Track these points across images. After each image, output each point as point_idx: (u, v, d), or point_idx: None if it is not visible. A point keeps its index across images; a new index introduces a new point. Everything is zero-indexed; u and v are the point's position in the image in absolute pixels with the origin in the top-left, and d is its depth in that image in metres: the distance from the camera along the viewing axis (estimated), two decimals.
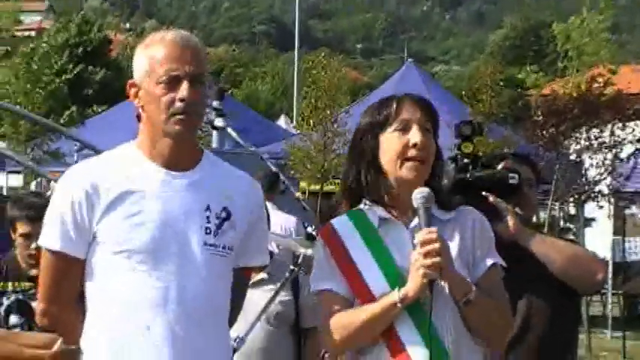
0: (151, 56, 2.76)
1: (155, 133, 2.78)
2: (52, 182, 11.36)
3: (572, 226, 16.20)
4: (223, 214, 2.80)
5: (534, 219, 4.33)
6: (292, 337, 4.72)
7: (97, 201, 2.72)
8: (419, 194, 2.74)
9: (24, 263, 4.28)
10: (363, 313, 2.74)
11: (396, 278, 2.74)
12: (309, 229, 4.16)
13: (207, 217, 2.77)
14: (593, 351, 12.29)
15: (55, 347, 4.14)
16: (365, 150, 2.85)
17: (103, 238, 2.72)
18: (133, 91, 2.81)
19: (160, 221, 2.71)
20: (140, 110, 2.81)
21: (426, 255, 2.65)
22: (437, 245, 2.66)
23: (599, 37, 16.12)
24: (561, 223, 16.05)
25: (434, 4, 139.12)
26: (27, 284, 4.27)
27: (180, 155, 2.80)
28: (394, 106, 2.83)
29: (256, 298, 3.95)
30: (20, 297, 4.26)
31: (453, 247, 2.78)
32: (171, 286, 2.69)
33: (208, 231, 2.76)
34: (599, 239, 16.26)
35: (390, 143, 2.81)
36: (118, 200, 2.72)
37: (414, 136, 2.78)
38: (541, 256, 3.44)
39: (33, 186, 16.55)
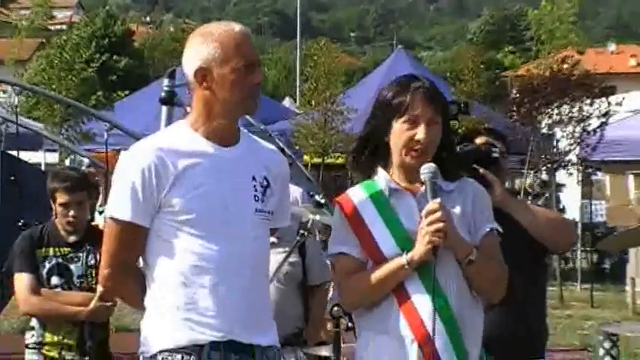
0: (222, 45, 2.72)
1: (216, 114, 2.77)
2: (84, 159, 11.32)
3: (545, 191, 16.20)
4: (265, 183, 2.82)
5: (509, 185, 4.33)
6: (300, 294, 4.72)
7: (165, 175, 2.70)
8: (426, 169, 2.76)
9: (63, 230, 4.28)
10: (375, 274, 2.76)
11: (404, 240, 2.76)
12: (317, 197, 4.13)
13: (254, 186, 2.79)
14: (565, 301, 12.34)
15: (92, 304, 4.18)
16: (378, 129, 2.84)
17: (170, 208, 2.71)
18: (200, 76, 2.74)
19: (218, 192, 2.72)
20: (207, 92, 2.74)
21: (431, 223, 2.68)
22: (439, 214, 2.69)
23: (567, 22, 16.11)
24: (536, 188, 16.03)
25: None
26: (66, 249, 4.28)
27: (230, 133, 2.81)
28: (408, 97, 2.79)
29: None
30: (60, 261, 4.27)
31: (456, 214, 2.79)
32: (233, 248, 2.72)
33: (257, 198, 2.79)
34: (569, 203, 16.30)
35: (399, 133, 2.80)
36: (181, 173, 2.71)
37: (421, 132, 2.77)
38: (523, 220, 3.46)
39: (67, 162, 16.51)
